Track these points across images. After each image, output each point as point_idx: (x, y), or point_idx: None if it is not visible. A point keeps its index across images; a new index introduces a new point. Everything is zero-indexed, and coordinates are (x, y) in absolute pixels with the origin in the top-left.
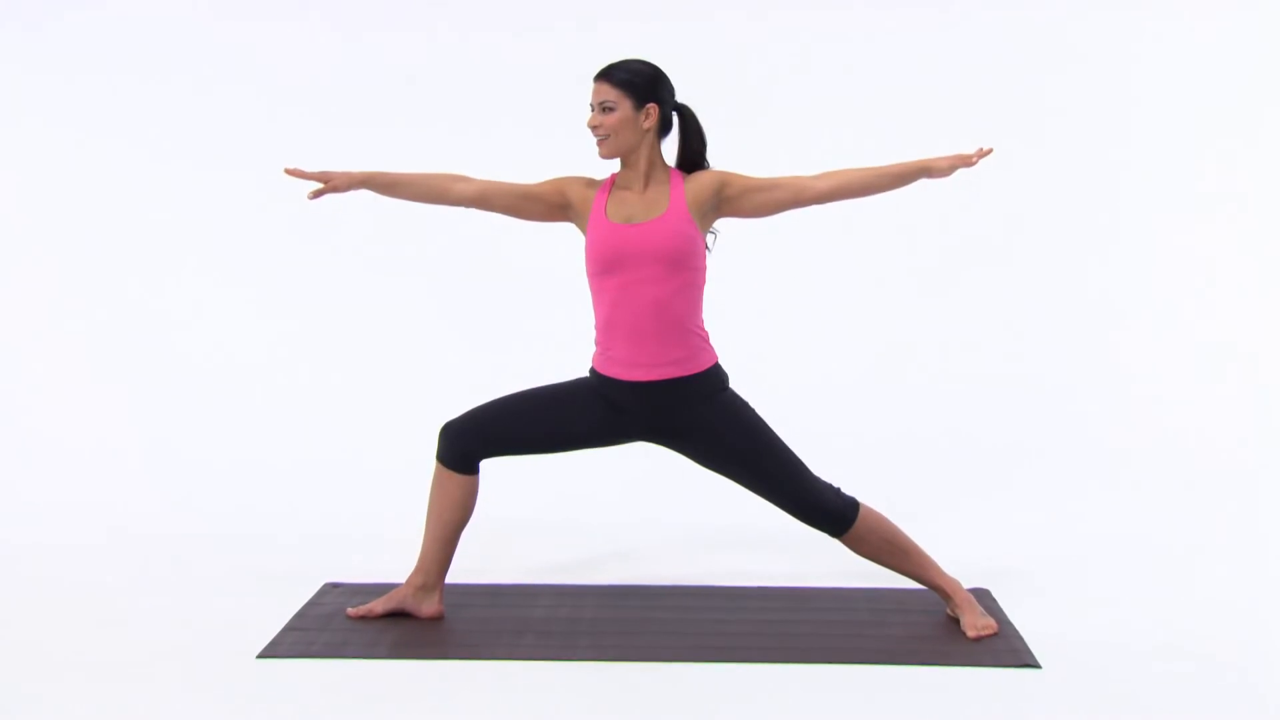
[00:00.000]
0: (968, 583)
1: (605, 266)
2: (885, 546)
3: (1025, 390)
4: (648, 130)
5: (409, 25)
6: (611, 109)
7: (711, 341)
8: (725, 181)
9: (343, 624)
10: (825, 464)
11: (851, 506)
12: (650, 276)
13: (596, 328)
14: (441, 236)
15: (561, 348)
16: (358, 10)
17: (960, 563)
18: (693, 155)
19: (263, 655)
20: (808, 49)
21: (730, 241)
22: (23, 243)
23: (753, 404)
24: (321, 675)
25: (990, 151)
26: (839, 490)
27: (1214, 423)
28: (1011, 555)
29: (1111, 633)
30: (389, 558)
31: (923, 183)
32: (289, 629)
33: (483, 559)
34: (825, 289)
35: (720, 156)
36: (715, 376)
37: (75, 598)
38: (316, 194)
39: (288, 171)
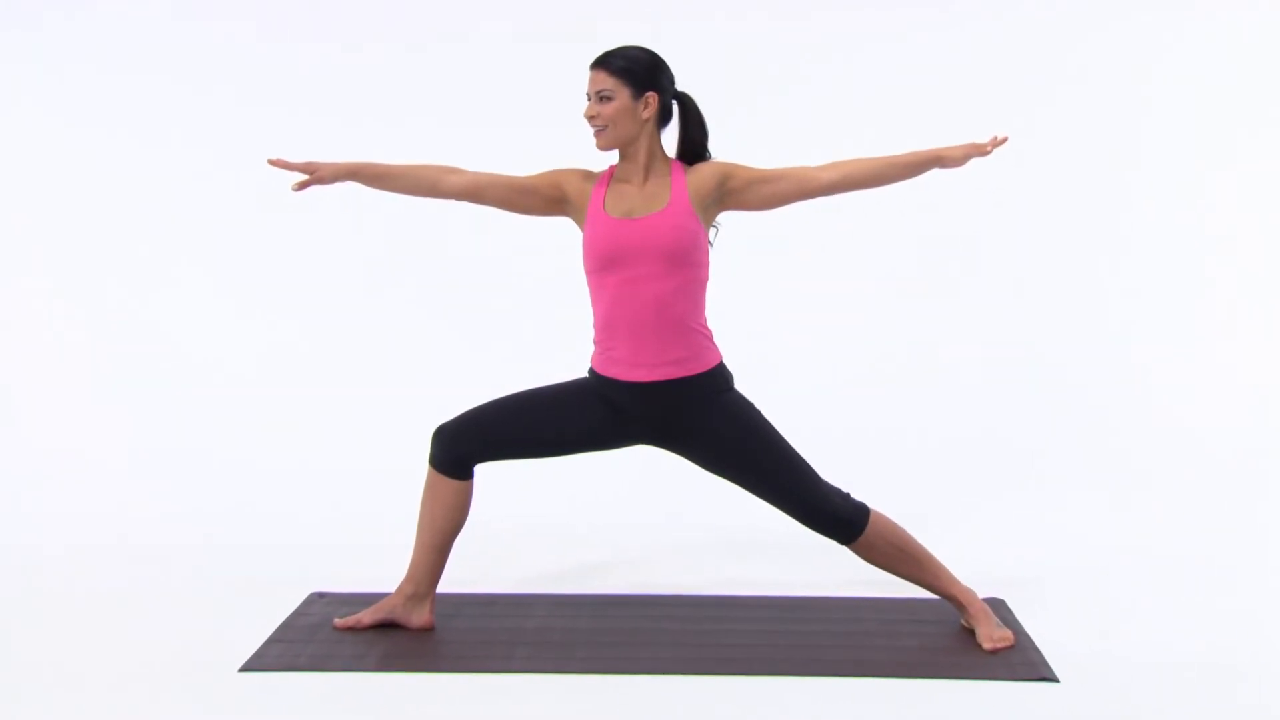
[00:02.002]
0: (983, 592)
1: (604, 263)
2: (897, 554)
3: (1042, 395)
4: (647, 120)
5: (403, 18)
6: (609, 98)
7: (715, 340)
8: (728, 173)
9: (329, 635)
10: (833, 468)
11: (861, 512)
12: (651, 273)
13: (595, 327)
14: (432, 232)
15: (559, 348)
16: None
17: (975, 571)
18: (694, 146)
19: (246, 668)
20: (812, 37)
21: (734, 236)
22: (13, 245)
23: (758, 405)
24: (307, 689)
25: (1005, 140)
26: (848, 495)
27: (1236, 430)
28: (1028, 564)
29: (1131, 645)
30: (378, 566)
31: (936, 174)
32: (273, 640)
33: (476, 568)
34: (833, 286)
35: (723, 147)
36: (719, 376)
37: (53, 607)
38: (301, 185)
39: (271, 162)
